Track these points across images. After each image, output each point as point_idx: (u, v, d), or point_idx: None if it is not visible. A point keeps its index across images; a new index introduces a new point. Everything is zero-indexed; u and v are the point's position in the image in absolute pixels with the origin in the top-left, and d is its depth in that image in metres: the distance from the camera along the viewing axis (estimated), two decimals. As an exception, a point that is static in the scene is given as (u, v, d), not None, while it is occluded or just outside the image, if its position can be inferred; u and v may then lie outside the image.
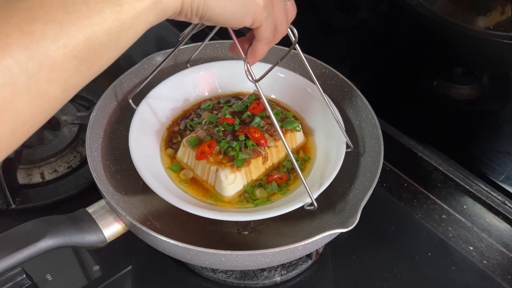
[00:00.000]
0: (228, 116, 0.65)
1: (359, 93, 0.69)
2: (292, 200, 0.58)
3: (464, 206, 0.74)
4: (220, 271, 0.63)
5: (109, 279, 0.64)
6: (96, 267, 0.65)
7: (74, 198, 0.72)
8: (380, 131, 0.65)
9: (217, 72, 0.73)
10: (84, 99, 0.87)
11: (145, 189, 0.67)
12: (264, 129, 0.63)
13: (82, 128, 0.80)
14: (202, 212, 0.56)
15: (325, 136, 0.67)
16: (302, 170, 0.63)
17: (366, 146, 0.67)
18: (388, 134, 0.80)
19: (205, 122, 0.65)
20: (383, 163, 0.62)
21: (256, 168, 0.62)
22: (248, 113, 0.65)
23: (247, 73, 0.50)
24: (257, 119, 0.64)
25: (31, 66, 0.32)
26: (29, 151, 0.76)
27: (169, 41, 1.06)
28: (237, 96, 0.72)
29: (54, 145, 0.77)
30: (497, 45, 0.70)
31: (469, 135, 0.80)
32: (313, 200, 0.55)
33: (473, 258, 0.68)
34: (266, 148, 0.62)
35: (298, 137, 0.67)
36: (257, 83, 0.50)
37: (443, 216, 0.73)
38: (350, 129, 0.70)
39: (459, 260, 0.67)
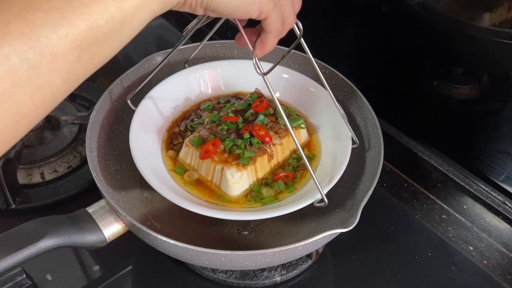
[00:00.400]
0: (231, 114, 0.64)
1: (359, 93, 0.69)
2: (301, 198, 0.57)
3: (464, 206, 0.74)
4: (220, 271, 0.63)
5: (109, 279, 0.64)
6: (96, 267, 0.65)
7: (74, 198, 0.72)
8: (380, 131, 0.65)
9: (216, 72, 0.73)
10: (84, 99, 0.87)
11: (145, 189, 0.67)
12: (268, 126, 0.63)
13: (82, 128, 0.80)
14: (211, 213, 0.55)
15: (330, 133, 0.66)
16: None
17: (366, 146, 0.67)
18: (388, 134, 0.80)
19: (208, 122, 0.65)
20: (383, 163, 0.62)
21: (262, 167, 0.62)
22: (251, 111, 0.65)
23: (255, 66, 0.49)
24: (261, 117, 0.63)
25: (32, 56, 0.31)
26: (29, 151, 0.76)
27: (169, 41, 1.06)
28: (237, 96, 0.72)
29: (54, 145, 0.77)
30: (497, 45, 0.70)
31: (469, 135, 0.80)
32: (324, 196, 0.54)
33: (473, 258, 0.68)
34: (272, 145, 0.62)
35: (302, 135, 0.66)
36: (265, 76, 0.49)
37: (443, 216, 0.73)
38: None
39: (459, 260, 0.67)
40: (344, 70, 0.73)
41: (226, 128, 0.62)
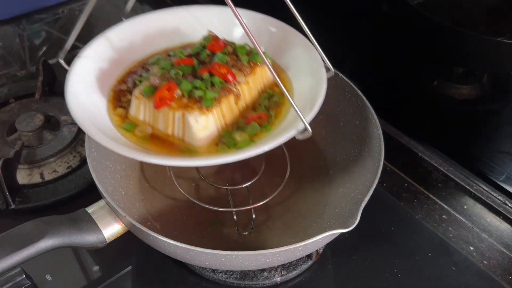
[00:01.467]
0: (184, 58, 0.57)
1: (360, 93, 0.69)
2: (280, 133, 0.52)
3: (465, 206, 0.74)
4: (220, 272, 0.63)
5: (109, 279, 0.64)
6: (96, 267, 0.65)
7: (74, 198, 0.72)
8: (380, 131, 0.65)
9: (159, 23, 0.65)
10: (84, 99, 0.87)
11: (145, 189, 0.67)
12: (230, 65, 0.56)
13: (82, 128, 0.80)
14: (179, 162, 0.50)
15: (299, 67, 0.61)
16: (281, 104, 0.57)
17: (366, 146, 0.67)
18: (388, 134, 0.80)
19: (159, 69, 0.57)
20: (383, 163, 0.62)
21: (229, 109, 0.55)
22: (207, 51, 0.57)
23: None
24: (220, 55, 0.56)
25: None
26: (29, 151, 0.76)
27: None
28: (188, 47, 0.64)
29: (53, 145, 0.77)
30: (497, 45, 0.70)
31: (469, 135, 0.80)
32: (307, 124, 0.49)
33: (473, 259, 0.68)
34: (237, 84, 0.55)
35: (268, 72, 0.59)
36: None
37: (444, 216, 0.73)
38: (350, 129, 0.70)
39: (460, 261, 0.67)
40: (344, 70, 0.73)
41: (181, 73, 0.54)
